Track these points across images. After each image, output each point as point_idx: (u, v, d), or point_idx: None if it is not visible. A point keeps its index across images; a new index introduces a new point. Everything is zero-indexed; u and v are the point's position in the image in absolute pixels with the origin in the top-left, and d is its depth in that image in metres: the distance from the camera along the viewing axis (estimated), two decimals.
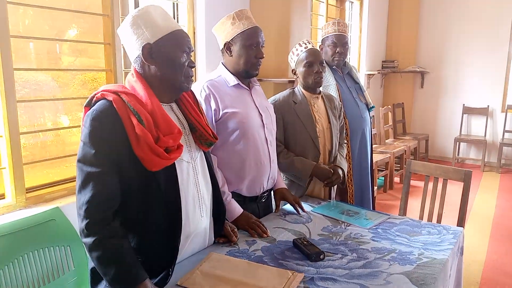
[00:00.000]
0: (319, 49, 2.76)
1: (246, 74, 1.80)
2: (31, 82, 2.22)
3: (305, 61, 2.12)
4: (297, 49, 2.17)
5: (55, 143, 2.37)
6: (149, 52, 1.31)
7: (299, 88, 2.21)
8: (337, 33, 2.66)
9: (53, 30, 2.31)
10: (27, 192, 2.03)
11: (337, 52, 2.65)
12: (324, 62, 2.71)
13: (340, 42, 2.65)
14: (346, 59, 2.77)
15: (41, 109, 2.27)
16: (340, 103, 2.35)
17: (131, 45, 1.33)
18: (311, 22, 4.20)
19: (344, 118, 2.61)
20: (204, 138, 1.44)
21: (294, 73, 2.21)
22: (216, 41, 1.85)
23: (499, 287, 2.79)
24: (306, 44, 2.15)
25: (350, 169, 2.59)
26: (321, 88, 2.62)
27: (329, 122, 2.20)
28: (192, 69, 1.38)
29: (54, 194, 2.13)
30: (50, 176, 2.27)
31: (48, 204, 2.06)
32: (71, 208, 1.90)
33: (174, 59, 1.31)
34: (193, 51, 1.40)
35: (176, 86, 1.35)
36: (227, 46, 1.78)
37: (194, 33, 2.96)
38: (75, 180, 1.23)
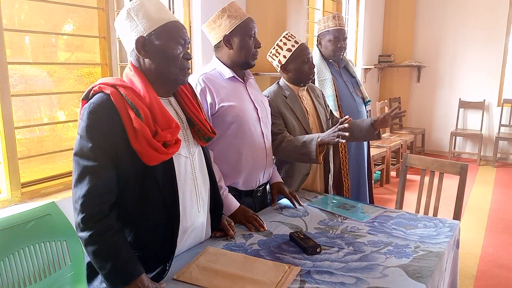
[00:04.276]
0: (317, 43, 2.74)
1: (246, 65, 1.80)
2: (27, 77, 2.21)
3: (301, 58, 2.08)
4: (285, 44, 2.10)
5: (51, 138, 2.36)
6: (143, 45, 1.29)
7: (284, 82, 2.16)
8: (338, 27, 2.66)
9: (49, 25, 2.29)
10: (22, 187, 2.03)
11: (339, 46, 2.66)
12: (321, 56, 2.71)
13: (342, 37, 2.67)
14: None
15: (37, 104, 2.26)
16: (320, 90, 2.35)
17: (127, 38, 1.32)
18: (307, 16, 4.18)
19: (340, 112, 2.61)
20: (203, 133, 1.43)
21: (284, 69, 2.13)
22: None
23: (495, 280, 2.81)
24: (294, 38, 2.11)
25: (346, 163, 2.59)
26: (316, 83, 2.62)
27: (317, 112, 2.20)
28: (188, 61, 1.36)
29: (49, 189, 2.13)
30: (46, 171, 2.26)
31: (44, 199, 2.05)
32: (67, 202, 1.90)
33: (168, 52, 1.30)
34: (189, 42, 1.38)
35: (171, 79, 1.34)
36: (227, 39, 1.77)
37: (190, 26, 2.94)
38: (71, 175, 1.22)
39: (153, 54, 1.30)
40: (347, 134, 1.74)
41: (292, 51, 2.09)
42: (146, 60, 1.31)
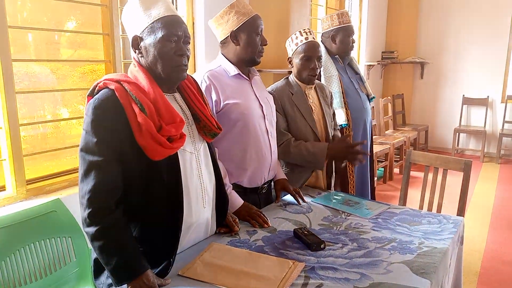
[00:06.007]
0: (326, 39, 2.70)
1: (252, 61, 1.80)
2: (30, 74, 2.21)
3: (302, 54, 2.08)
4: (297, 37, 2.12)
5: (55, 135, 2.37)
6: (137, 43, 1.30)
7: (293, 78, 2.17)
8: (350, 23, 2.68)
9: (51, 22, 2.30)
10: (27, 184, 2.03)
11: (353, 42, 2.71)
12: (327, 52, 2.68)
13: (353, 32, 2.71)
14: None
15: (40, 102, 2.27)
16: (330, 91, 2.35)
17: (129, 36, 1.33)
18: (310, 12, 4.17)
19: (346, 109, 2.60)
20: (208, 129, 1.43)
21: (290, 62, 2.17)
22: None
23: (498, 276, 2.81)
24: (307, 34, 2.10)
25: None
26: (323, 79, 2.60)
27: (323, 112, 2.20)
28: (182, 57, 1.30)
29: (54, 185, 2.13)
30: (50, 168, 2.27)
31: (49, 195, 2.06)
32: (72, 199, 1.92)
33: (156, 50, 1.27)
34: (187, 36, 1.32)
35: (163, 77, 1.31)
36: (234, 35, 1.77)
37: (193, 23, 2.94)
38: (75, 172, 1.23)
39: (145, 52, 1.29)
40: (363, 160, 2.01)
41: (298, 46, 2.10)
42: (142, 58, 1.31)
